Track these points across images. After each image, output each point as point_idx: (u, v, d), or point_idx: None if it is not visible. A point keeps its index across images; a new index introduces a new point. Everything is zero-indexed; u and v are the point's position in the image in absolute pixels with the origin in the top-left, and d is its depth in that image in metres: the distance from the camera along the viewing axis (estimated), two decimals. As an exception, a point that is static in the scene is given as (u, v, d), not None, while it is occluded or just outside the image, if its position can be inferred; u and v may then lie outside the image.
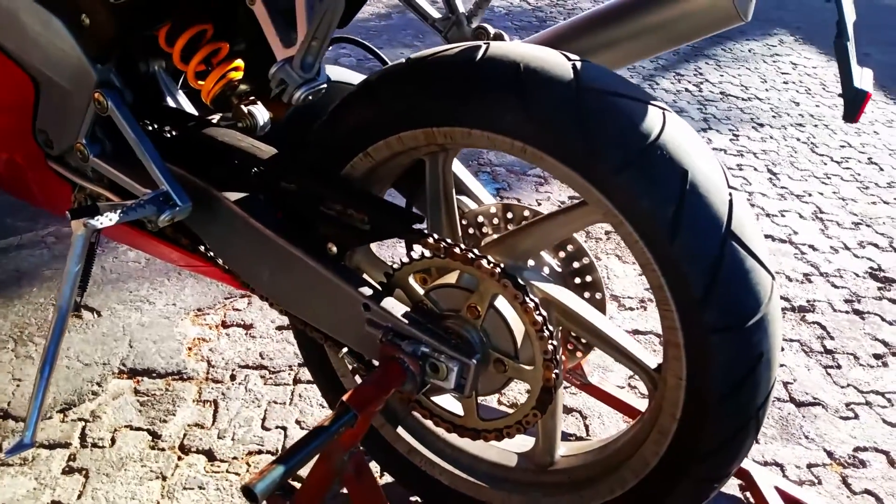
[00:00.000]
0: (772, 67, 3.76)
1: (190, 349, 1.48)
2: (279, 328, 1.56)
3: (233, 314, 1.59)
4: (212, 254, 1.14)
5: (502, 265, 0.88)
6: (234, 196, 1.03)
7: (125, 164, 1.08)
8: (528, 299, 0.86)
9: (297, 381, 1.43)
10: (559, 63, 0.82)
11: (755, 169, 2.62)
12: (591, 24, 1.08)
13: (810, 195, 2.46)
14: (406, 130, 0.91)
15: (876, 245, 2.17)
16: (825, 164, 2.72)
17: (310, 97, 0.88)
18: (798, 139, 2.91)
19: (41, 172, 1.17)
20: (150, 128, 1.10)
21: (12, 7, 1.03)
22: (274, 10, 0.88)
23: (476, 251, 0.89)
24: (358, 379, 1.15)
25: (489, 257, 0.88)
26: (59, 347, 1.16)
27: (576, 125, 0.78)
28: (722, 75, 3.54)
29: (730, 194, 0.79)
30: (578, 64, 0.82)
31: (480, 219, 1.07)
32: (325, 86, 0.89)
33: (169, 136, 1.09)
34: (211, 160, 1.05)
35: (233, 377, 1.43)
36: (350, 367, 1.08)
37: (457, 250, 0.88)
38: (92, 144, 1.09)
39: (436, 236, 0.91)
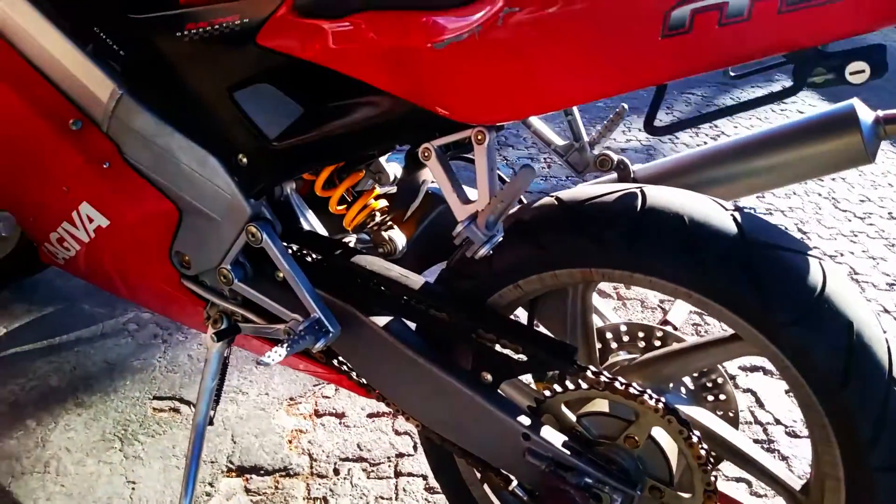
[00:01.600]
0: (780, 117, 3.88)
1: (290, 441, 1.52)
2: (370, 416, 1.60)
3: (324, 402, 1.63)
4: (347, 368, 1.18)
5: (664, 401, 0.93)
6: (382, 321, 1.08)
7: (271, 289, 1.13)
8: (692, 434, 0.91)
9: (398, 473, 1.47)
10: (721, 214, 0.88)
11: (787, 228, 2.72)
12: (715, 158, 1.15)
13: (842, 255, 2.56)
14: (564, 269, 0.96)
15: (913, 307, 2.27)
16: (849, 220, 2.82)
17: (491, 251, 0.93)
18: (819, 194, 3.02)
19: (174, 291, 1.21)
20: (294, 250, 1.14)
21: (165, 144, 1.07)
22: (447, 166, 0.94)
23: (637, 385, 0.94)
24: (488, 489, 1.20)
25: (651, 392, 0.93)
26: (199, 462, 1.20)
27: (745, 279, 0.85)
28: (736, 127, 3.65)
29: (886, 339, 0.86)
30: (738, 215, 0.88)
31: (609, 335, 1.13)
32: (502, 237, 0.94)
33: (311, 258, 1.14)
34: (357, 285, 1.09)
35: (336, 471, 1.46)
36: (516, 497, 1.09)
37: (618, 384, 0.94)
38: (235, 268, 1.13)
39: (593, 369, 0.96)
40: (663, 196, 0.91)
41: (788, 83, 0.95)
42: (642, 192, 0.93)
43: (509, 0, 0.72)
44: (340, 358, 1.18)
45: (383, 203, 1.14)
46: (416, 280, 1.06)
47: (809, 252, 0.88)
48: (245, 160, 1.05)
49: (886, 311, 2.23)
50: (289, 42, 0.96)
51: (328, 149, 1.02)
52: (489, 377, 1.03)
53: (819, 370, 0.84)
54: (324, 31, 0.93)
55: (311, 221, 1.22)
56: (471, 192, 0.95)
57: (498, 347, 1.02)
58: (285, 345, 1.01)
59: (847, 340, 0.83)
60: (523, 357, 1.01)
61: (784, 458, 1.58)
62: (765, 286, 0.84)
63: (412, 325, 1.09)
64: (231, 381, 1.65)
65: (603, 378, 0.95)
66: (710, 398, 1.08)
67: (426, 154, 0.94)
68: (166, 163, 1.09)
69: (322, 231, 1.23)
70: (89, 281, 1.40)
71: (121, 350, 1.71)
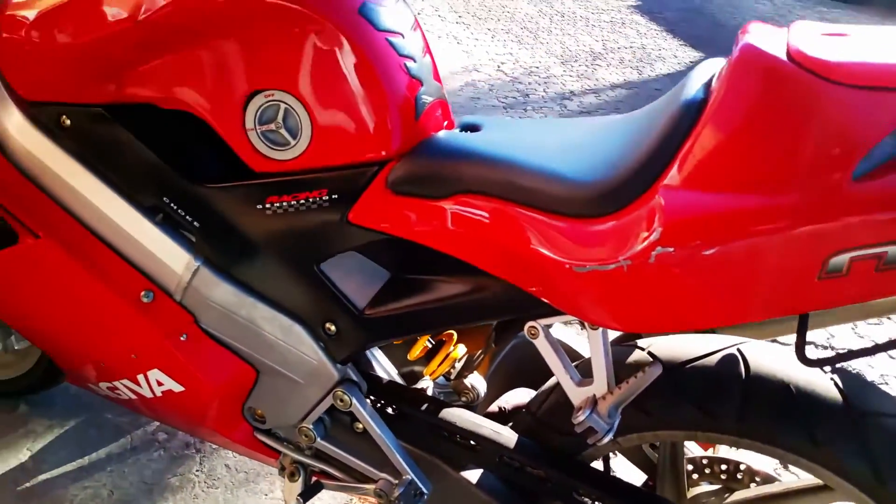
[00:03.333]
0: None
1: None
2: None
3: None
4: None
5: None
6: (473, 476, 1.08)
7: (353, 444, 1.11)
8: None
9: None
10: (827, 385, 0.90)
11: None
12: None
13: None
14: (667, 430, 0.98)
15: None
16: None
17: (614, 439, 0.94)
18: None
19: (245, 443, 1.19)
20: (377, 403, 1.13)
21: (247, 314, 1.05)
22: (556, 345, 0.94)
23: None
24: None
25: None
26: None
27: (857, 450, 0.88)
28: None
29: None
30: (838, 379, 0.91)
31: (690, 467, 1.16)
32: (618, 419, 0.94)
33: (393, 409, 1.13)
34: (445, 439, 1.09)
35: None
36: None
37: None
38: (317, 426, 1.12)
39: None
40: (765, 360, 0.93)
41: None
42: (742, 354, 0.95)
43: (665, 237, 0.72)
44: None
45: (462, 350, 1.13)
46: (508, 436, 1.06)
47: None
48: (333, 328, 1.03)
49: None
50: (383, 220, 0.95)
51: (421, 320, 1.01)
52: None
53: None
54: (423, 211, 0.92)
55: (382, 363, 1.21)
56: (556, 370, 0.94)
57: None
58: None
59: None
60: None
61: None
62: (875, 457, 0.87)
63: (502, 481, 1.09)
64: (274, 492, 1.62)
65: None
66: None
67: (533, 332, 0.94)
68: (247, 331, 1.06)
69: (390, 368, 1.22)
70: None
71: (155, 465, 1.66)
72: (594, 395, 0.92)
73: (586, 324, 0.89)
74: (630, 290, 0.76)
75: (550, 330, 0.94)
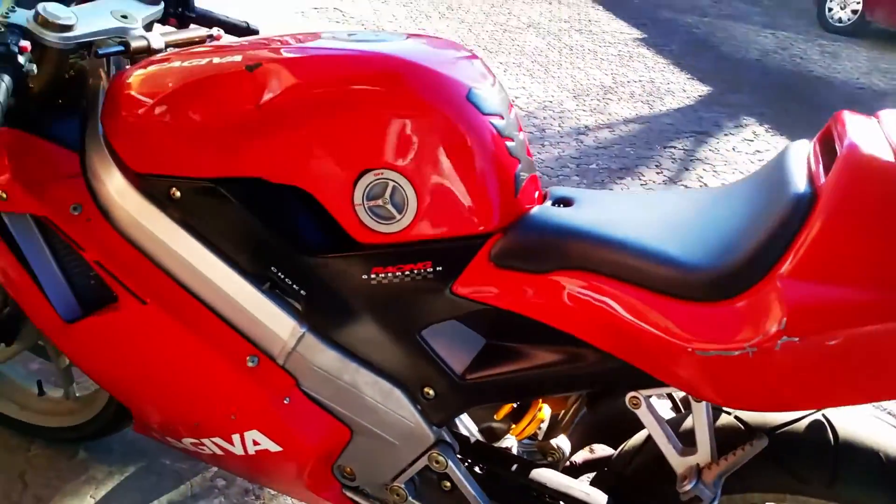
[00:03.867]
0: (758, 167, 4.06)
1: None
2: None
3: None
4: None
5: None
6: None
7: (444, 502, 1.15)
8: None
9: None
10: None
11: None
12: None
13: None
14: (758, 493, 1.02)
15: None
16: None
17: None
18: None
19: (334, 498, 1.22)
20: (466, 461, 1.16)
21: (349, 379, 1.09)
22: (658, 416, 0.98)
23: None
24: None
25: None
26: None
27: None
28: (723, 182, 3.80)
29: None
30: None
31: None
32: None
33: (482, 469, 1.16)
34: (535, 499, 1.13)
35: None
36: None
37: None
38: (408, 485, 1.15)
39: None
40: (851, 426, 0.98)
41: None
42: (829, 420, 0.99)
43: (790, 327, 0.77)
44: None
45: (547, 410, 1.18)
46: (598, 498, 1.10)
47: None
48: (432, 393, 1.07)
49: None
50: (487, 292, 0.99)
51: (520, 387, 1.05)
52: None
53: None
54: (527, 285, 0.97)
55: (464, 420, 1.25)
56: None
57: None
58: None
59: None
60: None
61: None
62: None
63: None
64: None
65: None
66: None
67: (635, 402, 0.98)
68: (347, 394, 1.10)
69: (471, 424, 1.26)
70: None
71: (217, 512, 1.69)
72: (697, 465, 0.96)
73: (690, 396, 0.93)
74: (750, 374, 0.80)
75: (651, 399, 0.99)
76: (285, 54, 1.02)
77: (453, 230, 1.00)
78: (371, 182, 0.99)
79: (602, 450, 1.25)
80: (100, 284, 1.25)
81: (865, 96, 5.70)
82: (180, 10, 1.41)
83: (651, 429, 0.99)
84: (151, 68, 1.09)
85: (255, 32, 1.56)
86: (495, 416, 1.18)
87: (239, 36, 1.55)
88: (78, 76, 1.24)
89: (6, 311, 1.48)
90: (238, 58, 1.02)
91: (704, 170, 3.94)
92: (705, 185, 3.76)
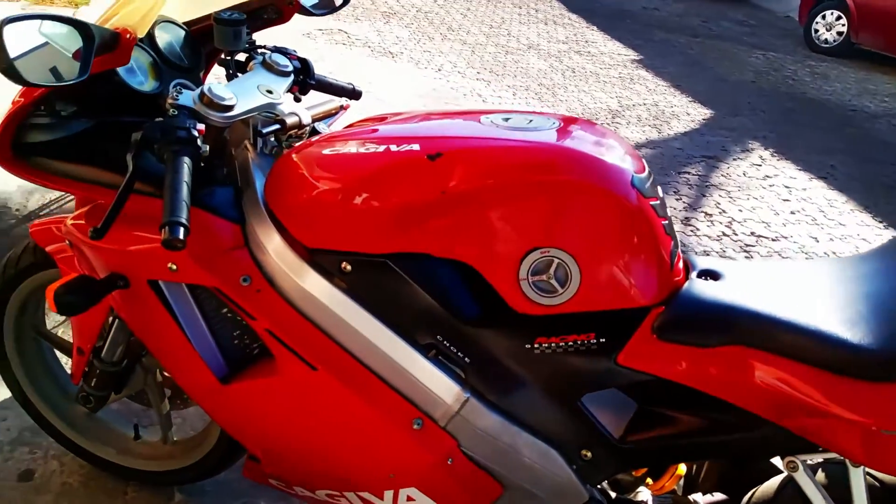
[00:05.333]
0: (771, 193, 4.21)
1: None
2: None
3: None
4: None
5: None
6: None
7: None
8: None
9: None
10: None
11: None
12: None
13: None
14: None
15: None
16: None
17: None
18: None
19: None
20: None
21: (509, 441, 1.15)
22: (816, 482, 1.06)
23: None
24: None
25: None
26: None
27: None
28: (740, 210, 3.93)
29: None
30: None
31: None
32: None
33: None
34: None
35: None
36: None
37: None
38: None
39: None
40: None
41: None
42: None
43: None
44: None
45: (683, 467, 1.25)
46: None
47: None
48: (589, 455, 1.14)
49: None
50: (651, 364, 1.07)
51: (677, 451, 1.13)
52: None
53: None
54: (692, 358, 1.05)
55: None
56: None
57: None
58: None
59: None
60: None
61: None
62: None
63: None
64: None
65: None
66: None
67: (792, 466, 1.06)
68: (506, 455, 1.17)
69: None
70: None
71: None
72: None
73: (849, 463, 1.02)
74: None
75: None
76: (462, 145, 1.10)
77: (615, 303, 1.08)
78: (537, 259, 1.06)
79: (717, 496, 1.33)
80: (243, 344, 1.30)
81: (858, 119, 5.90)
82: (302, 77, 1.47)
83: (808, 491, 1.07)
84: (325, 151, 1.15)
85: (360, 94, 1.63)
86: (633, 472, 1.25)
87: (349, 98, 1.62)
88: (222, 147, 1.29)
89: (123, 364, 1.52)
90: (416, 146, 1.10)
91: (721, 196, 4.07)
92: (724, 211, 3.89)
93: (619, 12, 8.74)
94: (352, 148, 1.14)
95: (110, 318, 1.44)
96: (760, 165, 4.60)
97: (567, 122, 1.18)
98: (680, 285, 1.11)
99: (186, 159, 1.08)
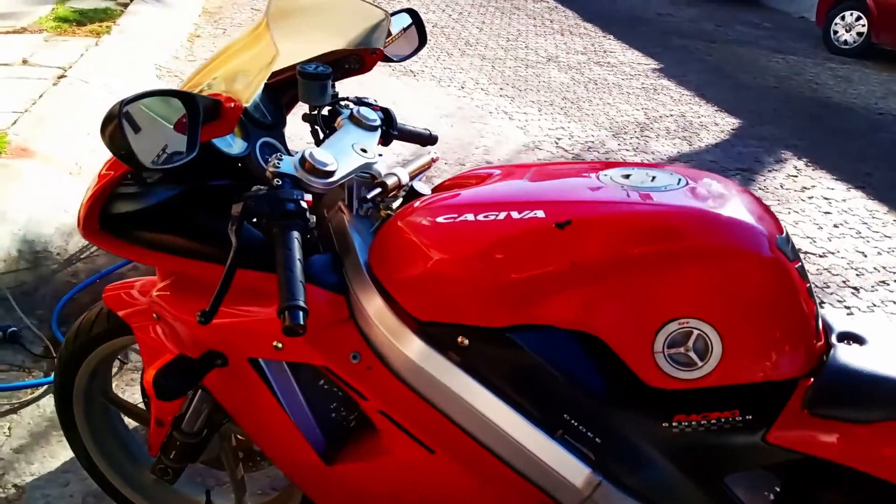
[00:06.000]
0: (811, 206, 4.12)
1: None
2: None
3: None
4: None
5: None
6: None
7: None
8: None
9: None
10: None
11: None
12: None
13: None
14: None
15: None
16: (935, 329, 3.04)
17: None
18: (893, 301, 3.24)
19: None
20: None
21: None
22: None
23: None
24: None
25: None
26: None
27: None
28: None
29: None
30: None
31: None
32: None
33: None
34: None
35: None
36: None
37: None
38: None
39: None
40: None
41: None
42: None
43: None
44: None
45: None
46: None
47: None
48: None
49: None
50: (805, 442, 0.99)
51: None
52: None
53: None
54: (852, 436, 0.97)
55: None
56: None
57: None
58: None
59: None
60: None
61: None
62: None
63: None
64: None
65: None
66: None
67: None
68: None
69: None
70: None
71: None
72: None
73: None
74: None
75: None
76: (591, 211, 1.03)
77: (760, 376, 1.00)
78: (674, 330, 0.99)
79: None
80: (339, 417, 1.23)
81: (887, 122, 5.82)
82: (385, 127, 1.41)
83: None
84: (440, 219, 1.08)
85: (436, 139, 1.56)
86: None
87: (423, 144, 1.56)
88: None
89: (203, 433, 1.46)
90: (540, 213, 1.02)
91: (761, 210, 3.98)
92: (767, 226, 3.80)
93: (634, 19, 8.67)
94: (468, 215, 1.07)
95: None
96: (797, 177, 4.52)
97: (693, 178, 1.11)
98: (823, 352, 1.03)
99: (296, 234, 1.01)
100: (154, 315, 1.25)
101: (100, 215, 1.17)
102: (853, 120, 5.82)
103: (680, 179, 1.10)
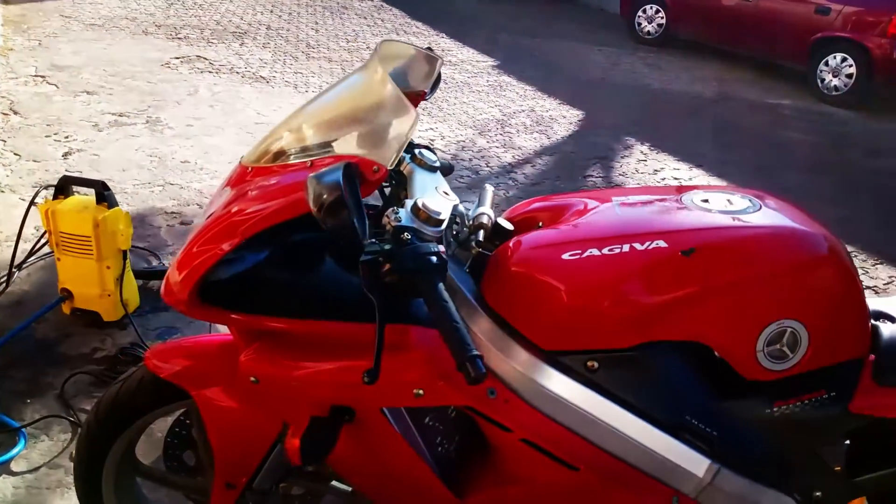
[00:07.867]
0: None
1: None
2: None
3: None
4: None
5: None
6: None
7: None
8: None
9: None
10: None
11: None
12: None
13: None
14: None
15: None
16: None
17: None
18: None
19: None
20: None
21: (755, 499, 1.23)
22: None
23: None
24: None
25: None
26: None
27: None
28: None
29: None
30: None
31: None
32: None
33: None
34: None
35: None
36: None
37: None
38: None
39: None
40: None
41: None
42: None
43: None
44: None
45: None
46: None
47: None
48: (819, 494, 1.26)
49: None
50: (881, 408, 1.21)
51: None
52: None
53: None
54: None
55: None
56: None
57: None
58: None
59: None
60: None
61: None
62: None
63: None
64: None
65: None
66: None
67: None
68: None
69: None
70: None
71: None
72: None
73: None
74: None
75: None
76: (710, 237, 1.17)
77: (837, 358, 1.20)
78: (773, 331, 1.16)
79: None
80: (444, 450, 1.28)
81: (703, 104, 6.54)
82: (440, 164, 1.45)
83: None
84: (566, 256, 1.16)
85: (452, 168, 1.62)
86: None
87: (445, 174, 1.61)
88: None
89: (272, 489, 1.43)
90: (662, 243, 1.14)
91: (630, 195, 4.37)
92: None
93: (461, 18, 8.98)
94: (592, 250, 1.16)
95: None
96: (646, 160, 5.00)
97: (760, 198, 1.28)
98: (873, 332, 1.25)
99: (443, 285, 1.04)
100: (252, 379, 1.21)
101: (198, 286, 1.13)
102: (674, 103, 6.50)
103: (752, 200, 1.27)
